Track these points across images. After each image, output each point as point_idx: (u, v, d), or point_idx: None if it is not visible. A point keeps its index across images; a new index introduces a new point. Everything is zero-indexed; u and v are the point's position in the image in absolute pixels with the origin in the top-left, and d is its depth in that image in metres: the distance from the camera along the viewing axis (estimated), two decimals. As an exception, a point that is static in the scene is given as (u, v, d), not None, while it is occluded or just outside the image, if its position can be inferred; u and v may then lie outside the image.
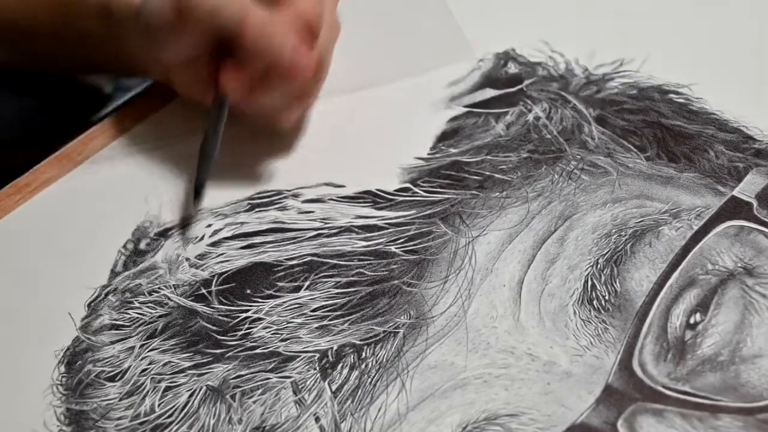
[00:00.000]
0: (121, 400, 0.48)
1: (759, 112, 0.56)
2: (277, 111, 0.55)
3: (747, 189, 0.53)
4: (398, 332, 0.49)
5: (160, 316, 0.51)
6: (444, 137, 0.57)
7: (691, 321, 0.48)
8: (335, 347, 0.49)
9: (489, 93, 0.59)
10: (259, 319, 0.50)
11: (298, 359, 0.48)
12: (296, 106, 0.56)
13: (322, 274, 0.51)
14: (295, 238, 0.53)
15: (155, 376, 0.49)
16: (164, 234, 0.54)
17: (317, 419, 0.47)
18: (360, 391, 0.47)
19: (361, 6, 0.64)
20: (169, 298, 0.51)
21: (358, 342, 0.49)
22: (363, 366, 0.48)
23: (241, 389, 0.48)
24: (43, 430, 0.48)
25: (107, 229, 0.54)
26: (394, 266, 0.51)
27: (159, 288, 0.52)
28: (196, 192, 0.54)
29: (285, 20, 0.51)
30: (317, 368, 0.48)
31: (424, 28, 0.63)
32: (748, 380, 0.46)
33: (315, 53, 0.52)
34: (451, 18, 0.63)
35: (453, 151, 0.56)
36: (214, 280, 0.51)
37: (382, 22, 0.64)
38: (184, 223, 0.54)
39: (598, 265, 0.50)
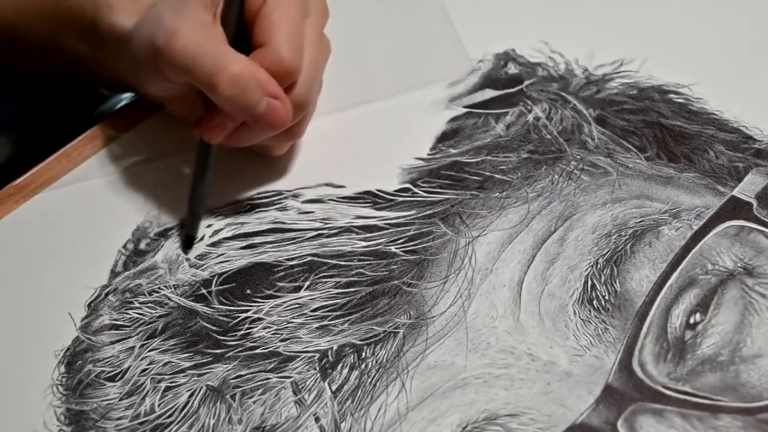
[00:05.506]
0: (121, 400, 0.48)
1: (759, 112, 0.56)
2: (265, 147, 0.54)
3: (747, 189, 0.53)
4: (398, 332, 0.49)
5: (160, 316, 0.51)
6: (444, 138, 0.57)
7: (691, 321, 0.48)
8: (335, 347, 0.49)
9: (489, 93, 0.59)
10: (259, 319, 0.50)
11: (298, 359, 0.48)
12: (284, 141, 0.55)
13: (322, 275, 0.51)
14: (295, 238, 0.53)
15: (155, 376, 0.49)
16: (164, 234, 0.54)
17: (317, 419, 0.47)
18: (360, 391, 0.47)
19: (359, 17, 0.63)
20: (169, 298, 0.51)
21: (358, 342, 0.49)
22: (363, 366, 0.48)
23: (241, 389, 0.48)
24: (43, 430, 0.48)
25: (107, 229, 0.54)
26: (394, 266, 0.51)
27: (159, 288, 0.52)
28: (187, 241, 0.53)
29: (259, 73, 0.48)
30: (317, 368, 0.48)
31: (423, 41, 0.62)
32: (748, 380, 0.46)
33: (294, 98, 0.50)
34: (452, 30, 0.62)
35: (453, 151, 0.56)
36: (214, 280, 0.51)
37: (380, 34, 0.63)
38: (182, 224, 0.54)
39: (598, 265, 0.50)
